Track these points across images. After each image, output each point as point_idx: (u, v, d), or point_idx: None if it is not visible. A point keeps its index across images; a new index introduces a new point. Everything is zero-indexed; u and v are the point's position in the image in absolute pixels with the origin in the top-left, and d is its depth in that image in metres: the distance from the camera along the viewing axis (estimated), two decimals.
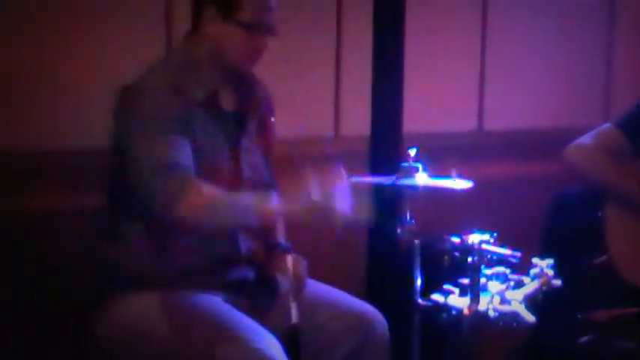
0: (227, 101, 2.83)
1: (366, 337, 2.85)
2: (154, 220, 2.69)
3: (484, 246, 2.66)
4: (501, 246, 2.71)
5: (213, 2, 2.75)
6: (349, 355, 2.85)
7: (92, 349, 2.83)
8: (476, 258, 2.65)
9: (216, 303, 2.73)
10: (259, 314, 2.76)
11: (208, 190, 2.63)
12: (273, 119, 3.00)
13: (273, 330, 2.68)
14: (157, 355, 2.70)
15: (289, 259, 2.86)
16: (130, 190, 2.69)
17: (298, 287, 2.83)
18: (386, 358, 2.90)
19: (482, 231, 2.70)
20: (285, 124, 3.10)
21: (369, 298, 3.11)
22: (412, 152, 2.78)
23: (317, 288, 2.90)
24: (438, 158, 2.92)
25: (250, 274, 2.83)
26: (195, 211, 2.63)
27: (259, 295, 2.84)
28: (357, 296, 2.98)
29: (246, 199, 2.69)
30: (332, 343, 2.86)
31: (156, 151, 2.64)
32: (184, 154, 2.66)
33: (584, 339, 3.48)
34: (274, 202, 2.72)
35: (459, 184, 2.76)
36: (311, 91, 3.79)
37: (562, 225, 3.54)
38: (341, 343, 2.87)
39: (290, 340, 2.73)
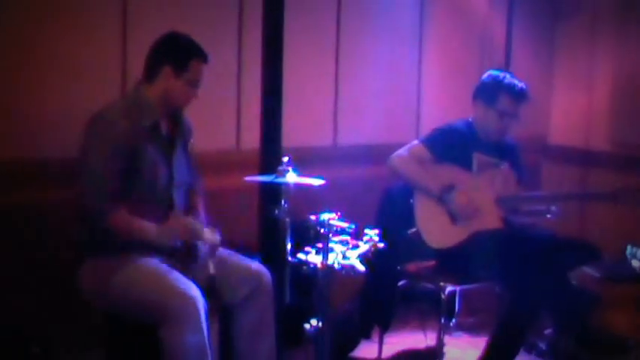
0: (164, 128, 3.00)
1: (257, 285, 3.04)
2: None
3: (331, 221, 2.75)
4: (343, 221, 2.77)
5: (170, 64, 2.91)
6: (246, 296, 3.02)
7: (79, 297, 2.94)
8: (326, 229, 2.73)
9: (156, 263, 2.90)
10: (185, 269, 2.90)
11: (121, 218, 2.79)
12: (193, 140, 3.17)
13: (195, 280, 2.83)
14: (120, 299, 2.82)
15: (207, 231, 2.96)
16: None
17: (213, 249, 2.96)
18: (271, 299, 3.06)
19: (330, 211, 2.77)
20: (196, 139, 3.18)
21: (259, 258, 3.24)
22: (285, 159, 2.90)
23: (223, 252, 3.05)
24: (306, 164, 3.01)
25: (179, 244, 2.95)
26: (116, 229, 2.80)
27: (185, 257, 2.93)
28: (250, 257, 3.14)
29: (143, 230, 2.83)
30: (234, 289, 3.01)
31: (98, 175, 2.77)
32: (116, 180, 2.78)
33: (402, 283, 3.66)
34: (151, 232, 2.84)
35: (315, 181, 2.84)
36: (217, 112, 3.81)
37: (388, 208, 3.70)
38: (239, 288, 3.02)
39: (209, 285, 2.85)
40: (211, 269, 2.86)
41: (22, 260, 3.28)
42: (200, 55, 2.94)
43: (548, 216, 3.62)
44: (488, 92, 3.65)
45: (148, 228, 2.84)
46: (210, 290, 2.83)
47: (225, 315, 3.01)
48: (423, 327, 3.91)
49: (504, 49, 4.50)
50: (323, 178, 2.88)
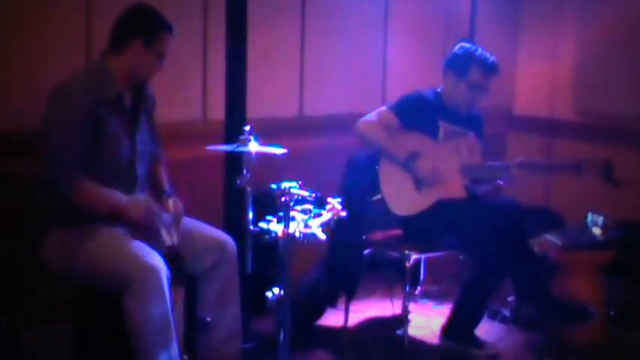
0: (127, 100, 2.96)
1: (221, 254, 3.04)
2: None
3: (292, 190, 2.71)
4: (305, 190, 2.73)
5: (140, 37, 2.87)
6: (211, 265, 3.02)
7: (43, 268, 2.92)
8: (287, 198, 2.70)
9: (120, 233, 2.86)
10: (148, 239, 2.85)
11: (86, 185, 2.76)
12: (156, 112, 3.12)
13: (158, 249, 2.82)
14: (84, 269, 2.80)
15: (171, 202, 2.98)
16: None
17: (177, 220, 2.97)
18: (235, 268, 3.06)
19: (291, 180, 2.73)
20: (163, 110, 3.16)
21: (224, 226, 3.25)
22: (247, 128, 2.86)
23: (189, 221, 3.07)
24: (272, 134, 2.97)
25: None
26: (80, 195, 2.75)
27: (147, 227, 2.88)
28: (215, 226, 3.13)
29: (106, 197, 2.79)
30: (200, 257, 3.01)
31: (59, 146, 2.73)
32: (80, 151, 2.74)
33: (368, 251, 3.64)
34: (121, 200, 2.81)
35: (277, 150, 2.81)
36: (183, 83, 3.77)
37: (352, 175, 3.65)
38: (206, 257, 3.02)
39: (174, 255, 2.86)
40: (174, 239, 2.86)
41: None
42: (168, 28, 2.93)
43: (500, 182, 3.59)
44: (459, 64, 3.61)
45: (116, 193, 2.80)
46: (173, 260, 2.80)
47: (191, 284, 2.98)
48: (390, 295, 3.89)
49: (469, 19, 4.45)
50: (289, 148, 2.84)
